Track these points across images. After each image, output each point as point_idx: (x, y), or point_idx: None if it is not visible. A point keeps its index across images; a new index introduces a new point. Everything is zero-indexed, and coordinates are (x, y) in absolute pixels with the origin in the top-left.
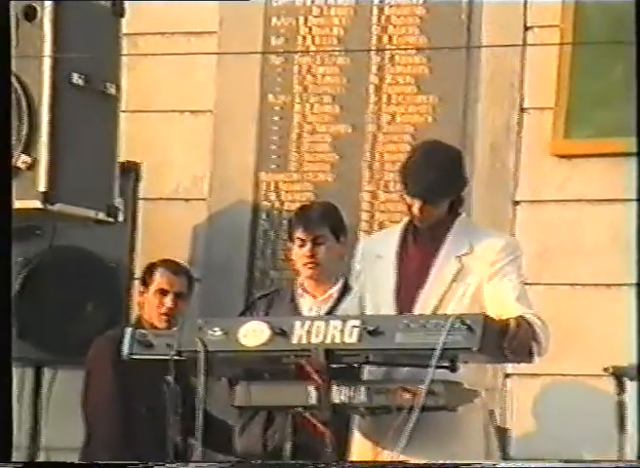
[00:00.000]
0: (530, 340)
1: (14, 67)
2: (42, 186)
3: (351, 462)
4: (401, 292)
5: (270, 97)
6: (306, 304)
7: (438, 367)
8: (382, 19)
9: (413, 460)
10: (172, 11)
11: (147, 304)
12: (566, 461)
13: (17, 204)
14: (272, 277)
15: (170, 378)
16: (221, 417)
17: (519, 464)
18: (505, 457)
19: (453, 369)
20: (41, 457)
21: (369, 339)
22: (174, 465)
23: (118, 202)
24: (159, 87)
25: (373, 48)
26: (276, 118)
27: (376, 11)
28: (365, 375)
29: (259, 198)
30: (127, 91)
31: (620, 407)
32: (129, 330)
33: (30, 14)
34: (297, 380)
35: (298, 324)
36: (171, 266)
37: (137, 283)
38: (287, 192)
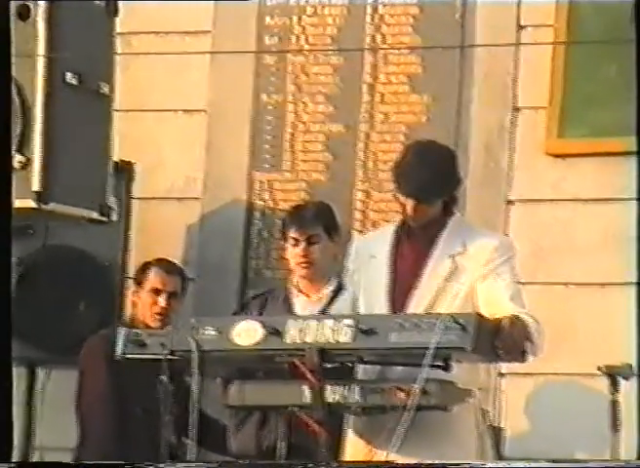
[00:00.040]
0: (523, 340)
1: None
2: (36, 186)
3: (343, 462)
4: (394, 292)
5: (264, 96)
6: (300, 304)
7: (432, 366)
8: (376, 19)
9: (406, 459)
10: (166, 10)
11: (141, 304)
12: (554, 461)
13: None
14: (266, 276)
15: (163, 378)
16: (217, 417)
17: (512, 464)
18: (499, 457)
19: (446, 368)
20: (35, 457)
21: (363, 339)
22: (162, 465)
23: (112, 201)
24: (153, 86)
25: (366, 47)
26: (270, 117)
27: (369, 10)
28: (359, 375)
29: (252, 197)
30: (121, 90)
31: (614, 406)
32: (122, 329)
33: (24, 13)
34: (290, 380)
35: (291, 323)
36: (164, 266)
37: (130, 282)
38: (280, 191)
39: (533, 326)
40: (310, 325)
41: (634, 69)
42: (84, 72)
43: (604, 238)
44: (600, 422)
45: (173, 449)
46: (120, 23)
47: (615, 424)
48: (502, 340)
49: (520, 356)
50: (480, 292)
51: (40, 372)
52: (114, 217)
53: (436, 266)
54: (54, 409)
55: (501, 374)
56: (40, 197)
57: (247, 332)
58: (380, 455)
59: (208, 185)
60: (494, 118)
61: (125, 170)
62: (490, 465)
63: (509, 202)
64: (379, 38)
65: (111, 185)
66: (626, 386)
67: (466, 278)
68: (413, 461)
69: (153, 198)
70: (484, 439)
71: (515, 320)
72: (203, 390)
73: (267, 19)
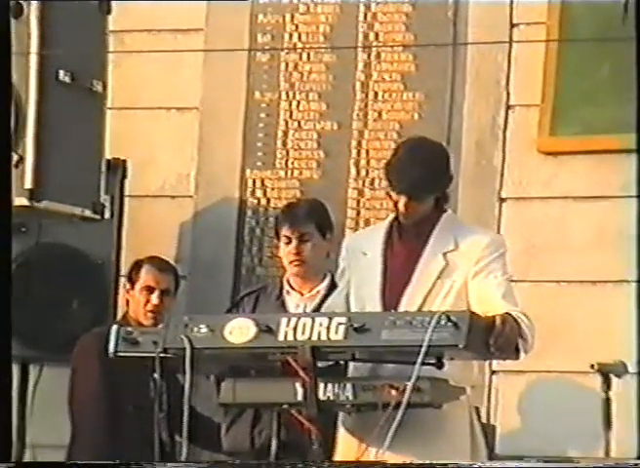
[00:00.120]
0: (516, 337)
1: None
2: (28, 183)
3: (335, 462)
4: (387, 289)
5: (257, 94)
6: (293, 301)
7: (424, 363)
8: (369, 17)
9: (398, 457)
10: (158, 8)
11: (133, 301)
12: (546, 460)
13: None
14: (259, 274)
15: (156, 376)
16: (209, 414)
17: (506, 464)
18: (491, 454)
19: (439, 365)
20: (27, 455)
21: (355, 336)
22: (154, 465)
23: (104, 199)
24: (145, 84)
25: (359, 45)
26: (262, 115)
27: (362, 8)
28: (350, 372)
29: (245, 195)
30: (113, 88)
31: (606, 404)
32: (115, 327)
33: (17, 11)
34: (283, 377)
35: (284, 321)
36: (157, 263)
37: (123, 280)
38: (273, 189)
39: (525, 323)
40: (303, 322)
41: (634, 68)
42: (77, 70)
43: (596, 235)
44: (592, 420)
45: (165, 447)
46: (113, 21)
47: (607, 422)
48: (495, 338)
49: (513, 353)
50: (472, 289)
51: (33, 370)
52: (107, 215)
53: (428, 264)
54: (46, 406)
55: (494, 372)
56: (33, 195)
57: (240, 330)
58: (373, 453)
59: (200, 183)
60: (486, 116)
61: (117, 167)
62: (486, 465)
63: (501, 199)
64: (371, 36)
65: (104, 183)
66: (619, 384)
67: (458, 275)
68: (405, 459)
69: (146, 196)
70: (476, 436)
71: (508, 317)
72: (196, 388)
73: (260, 17)
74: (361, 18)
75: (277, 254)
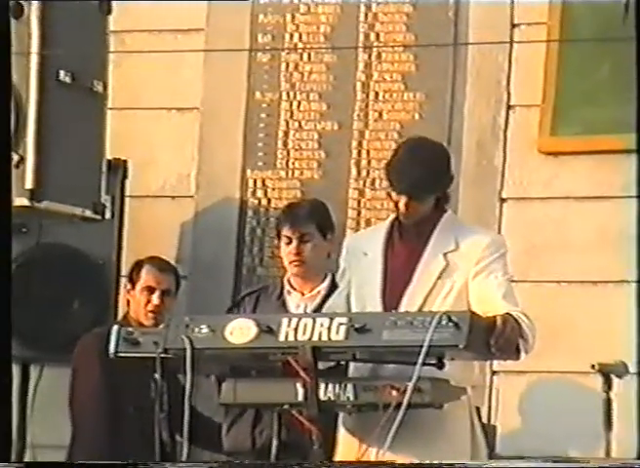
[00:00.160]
0: (516, 338)
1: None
2: (29, 184)
3: (336, 463)
4: (387, 289)
5: (257, 94)
6: (294, 301)
7: (425, 364)
8: (369, 17)
9: (399, 457)
10: (159, 8)
11: (134, 302)
12: (547, 460)
13: None
14: (259, 274)
15: (157, 376)
16: (211, 415)
17: (506, 464)
18: (492, 454)
19: (439, 366)
20: (27, 455)
21: (356, 337)
22: (155, 465)
23: (105, 199)
24: (146, 84)
25: (360, 45)
26: (263, 115)
27: (363, 8)
28: (351, 372)
29: (246, 195)
30: (114, 88)
31: (607, 404)
32: (115, 327)
33: (17, 11)
34: (284, 378)
35: (285, 321)
36: (158, 264)
37: (124, 280)
38: (274, 189)
39: (526, 324)
40: (304, 323)
41: (634, 67)
42: (77, 70)
43: (597, 236)
44: (593, 420)
45: (166, 448)
46: (113, 21)
47: (608, 422)
48: (496, 338)
49: (513, 354)
50: (472, 289)
51: (33, 370)
52: (107, 215)
53: (428, 264)
54: (47, 407)
55: (495, 372)
56: (33, 195)
57: (240, 331)
58: (373, 453)
59: (201, 183)
60: (487, 116)
61: (118, 168)
62: (486, 465)
63: (502, 200)
64: (372, 36)
65: (104, 183)
66: (619, 384)
67: (459, 276)
68: (406, 459)
69: (147, 196)
70: (477, 437)
71: (508, 318)
72: (196, 388)
73: (261, 17)
74: (362, 18)
75: (278, 255)
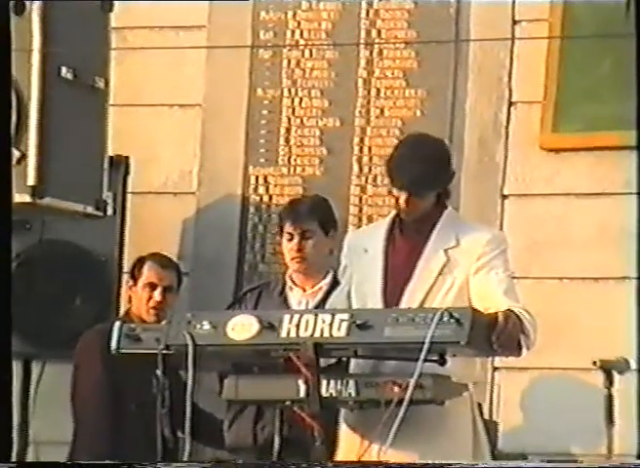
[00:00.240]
0: (518, 334)
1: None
2: (31, 180)
3: (337, 462)
4: (388, 286)
5: (259, 90)
6: (295, 297)
7: (426, 360)
8: (371, 14)
9: (400, 454)
10: (160, 5)
11: (136, 298)
12: (549, 461)
13: None
14: (261, 271)
15: (159, 372)
16: (212, 411)
17: (506, 464)
18: (493, 451)
19: (441, 362)
20: (29, 452)
21: (358, 333)
22: (157, 465)
23: (107, 196)
24: (148, 81)
25: (361, 42)
26: (265, 112)
27: (364, 5)
28: (352, 369)
29: (248, 192)
30: (116, 85)
31: (609, 400)
32: (117, 323)
33: (19, 8)
34: (285, 374)
35: (286, 317)
36: (159, 260)
37: (126, 277)
38: (276, 186)
39: (527, 320)
40: (305, 319)
41: (634, 64)
42: (79, 67)
43: (598, 232)
44: (595, 416)
45: (167, 444)
46: (115, 18)
47: (610, 418)
48: (497, 335)
49: (515, 350)
50: (473, 285)
51: (35, 367)
52: (109, 212)
53: (429, 260)
54: (49, 403)
55: (496, 369)
56: (35, 192)
57: (242, 327)
58: (375, 450)
59: (203, 180)
60: (488, 112)
61: (120, 164)
62: (487, 465)
63: (504, 196)
64: (374, 33)
65: (106, 180)
66: (621, 380)
67: (459, 272)
68: (407, 455)
69: (149, 193)
70: (479, 433)
71: (510, 314)
72: (198, 384)
73: (262, 14)
74: (363, 14)
75: (280, 251)
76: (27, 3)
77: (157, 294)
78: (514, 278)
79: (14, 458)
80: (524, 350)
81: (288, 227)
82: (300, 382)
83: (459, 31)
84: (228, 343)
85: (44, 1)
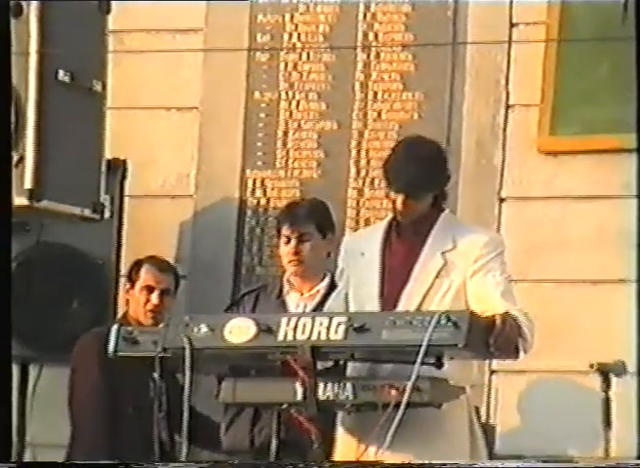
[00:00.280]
0: (515, 337)
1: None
2: (28, 183)
3: (334, 463)
4: (385, 289)
5: (256, 93)
6: (293, 300)
7: (424, 363)
8: (368, 17)
9: (397, 456)
10: (158, 8)
11: (133, 301)
12: (545, 460)
13: None
14: (259, 273)
15: (156, 375)
16: (209, 414)
17: (505, 464)
18: (491, 454)
19: (438, 365)
20: (27, 454)
21: (355, 336)
22: (154, 465)
23: (104, 199)
24: (145, 84)
25: (358, 45)
26: (262, 115)
27: (361, 8)
28: (349, 372)
29: (245, 195)
30: (113, 87)
31: (606, 403)
32: (115, 327)
33: (17, 10)
34: (283, 377)
35: (284, 320)
36: (157, 263)
37: (123, 280)
38: (273, 189)
39: (525, 323)
40: (303, 322)
41: (633, 67)
42: (76, 70)
43: (596, 235)
44: (592, 419)
45: (165, 447)
46: (112, 21)
47: (607, 421)
48: (495, 337)
49: (512, 353)
50: (470, 288)
51: (32, 370)
52: (107, 215)
53: (426, 263)
54: (46, 406)
55: (493, 371)
56: (33, 194)
57: (240, 330)
58: (372, 453)
59: (200, 183)
60: (486, 115)
61: (117, 167)
62: (485, 465)
63: (501, 199)
64: (371, 36)
65: (104, 183)
66: (618, 383)
67: (457, 274)
68: (404, 458)
69: (146, 196)
70: (476, 436)
71: (507, 317)
72: (195, 387)
73: (260, 17)
74: (360, 17)
75: (277, 254)
76: (25, 6)
77: (154, 297)
78: (512, 281)
79: (13, 458)
80: (521, 353)
81: (285, 230)
82: (298, 385)
83: (456, 34)
84: (226, 346)
85: (41, 1)
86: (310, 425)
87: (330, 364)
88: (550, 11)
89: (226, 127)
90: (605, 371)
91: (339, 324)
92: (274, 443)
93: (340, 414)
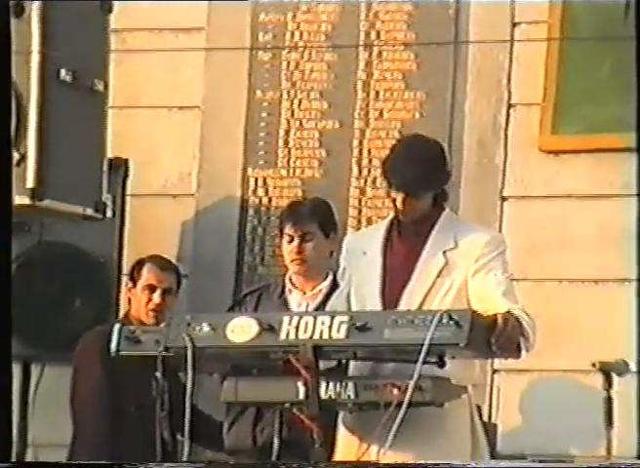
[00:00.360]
0: (517, 336)
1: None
2: (30, 182)
3: (335, 463)
4: (386, 288)
5: (258, 93)
6: (295, 300)
7: (426, 362)
8: (370, 16)
9: (399, 456)
10: (160, 7)
11: (135, 300)
12: (545, 460)
13: None
14: (261, 273)
15: (158, 374)
16: (211, 413)
17: (508, 464)
18: (492, 453)
19: (440, 364)
20: (29, 454)
21: (357, 335)
22: (152, 465)
23: (106, 198)
24: (147, 83)
25: (360, 44)
26: (264, 114)
27: (363, 7)
28: (351, 371)
29: (247, 194)
30: (115, 87)
31: (608, 402)
32: (117, 326)
33: (18, 10)
34: (285, 376)
35: (286, 319)
36: (159, 262)
37: (125, 279)
38: (275, 188)
39: (526, 322)
40: (305, 321)
41: (634, 67)
42: (78, 69)
43: (598, 234)
44: (594, 419)
45: (167, 446)
46: (114, 20)
47: (609, 420)
48: (497, 337)
49: (514, 352)
50: (472, 287)
51: (34, 369)
52: (109, 214)
53: (428, 262)
54: (48, 405)
55: (495, 371)
56: (35, 194)
57: (242, 329)
58: (374, 452)
59: (202, 182)
60: (488, 114)
61: (119, 166)
62: (485, 465)
63: (503, 198)
64: (373, 35)
65: (106, 182)
66: (620, 382)
67: (458, 274)
68: (406, 458)
69: (148, 195)
70: (478, 435)
71: (509, 316)
72: (197, 387)
73: (262, 16)
74: (362, 16)
75: (279, 253)
76: (26, 5)
77: (156, 297)
78: (513, 280)
79: (13, 458)
80: (523, 352)
81: (288, 229)
82: (300, 384)
83: (458, 33)
84: (228, 345)
85: (43, 1)
86: (312, 424)
87: (332, 363)
88: (552, 10)
89: (228, 126)
90: (607, 371)
91: (341, 323)
92: (276, 442)
93: (341, 414)
